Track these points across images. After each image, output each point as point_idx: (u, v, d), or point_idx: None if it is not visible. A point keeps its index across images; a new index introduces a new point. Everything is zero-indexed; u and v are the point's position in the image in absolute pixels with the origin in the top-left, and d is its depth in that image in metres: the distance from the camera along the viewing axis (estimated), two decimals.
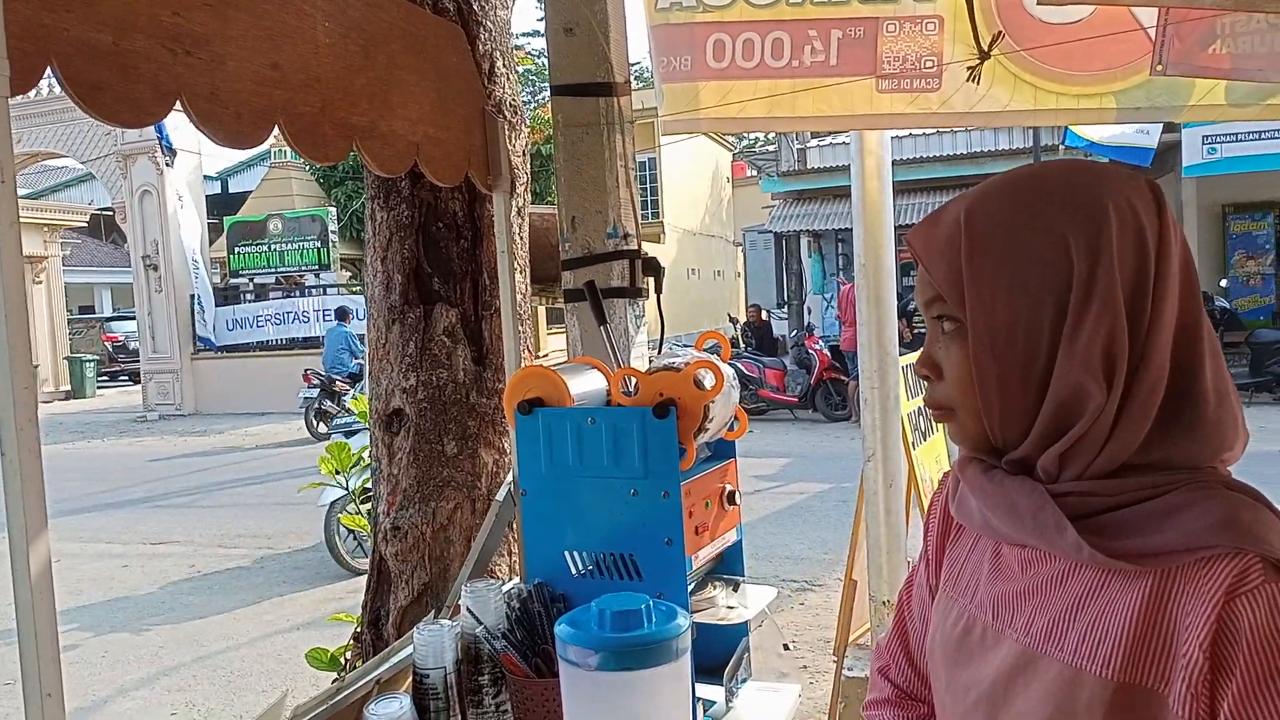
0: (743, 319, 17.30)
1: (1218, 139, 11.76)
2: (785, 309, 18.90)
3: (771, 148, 20.37)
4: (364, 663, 1.89)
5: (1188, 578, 0.73)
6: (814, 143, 17.31)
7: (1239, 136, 11.55)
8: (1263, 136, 11.31)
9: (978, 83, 1.88)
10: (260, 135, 1.39)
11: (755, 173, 23.98)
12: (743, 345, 15.49)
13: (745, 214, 28.64)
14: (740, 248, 29.43)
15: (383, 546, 2.62)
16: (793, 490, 8.28)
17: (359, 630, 2.73)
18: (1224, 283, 13.71)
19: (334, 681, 1.55)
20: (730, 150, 29.91)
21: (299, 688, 4.36)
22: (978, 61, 1.84)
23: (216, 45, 1.32)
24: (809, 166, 17.10)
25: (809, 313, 17.81)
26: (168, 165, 16.08)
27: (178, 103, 1.28)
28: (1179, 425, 0.78)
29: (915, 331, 12.18)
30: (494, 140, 1.95)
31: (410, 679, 1.52)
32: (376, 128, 1.61)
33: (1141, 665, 0.74)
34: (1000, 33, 1.93)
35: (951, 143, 15.99)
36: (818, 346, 12.58)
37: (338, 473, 3.22)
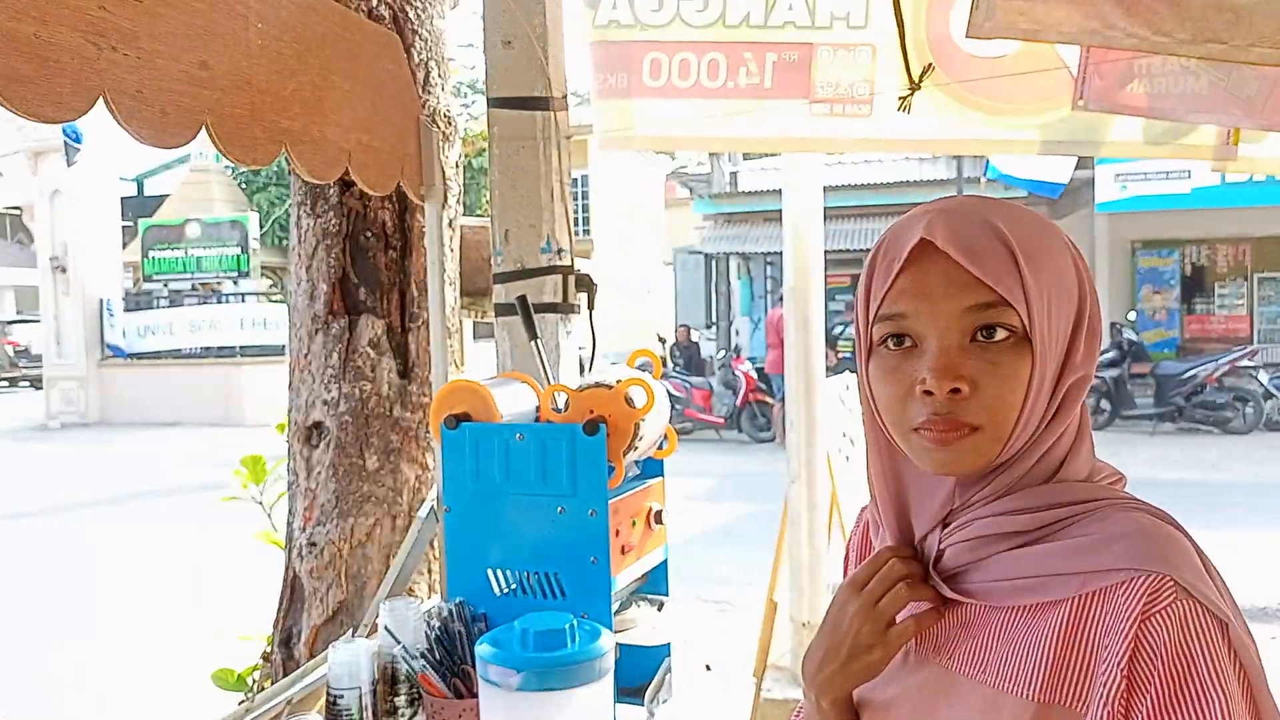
0: (671, 339, 17.41)
1: (1128, 177, 12.27)
2: (714, 330, 19.07)
3: (704, 169, 20.60)
4: (273, 683, 1.83)
5: (1106, 599, 0.75)
6: (745, 165, 17.55)
7: (1148, 175, 12.07)
8: (1169, 176, 11.84)
9: (909, 112, 1.92)
10: (186, 135, 1.35)
11: (688, 193, 24.18)
12: (670, 365, 15.58)
13: (677, 234, 28.81)
14: (671, 267, 29.61)
15: (297, 563, 2.55)
16: (717, 511, 8.31)
17: (269, 649, 2.65)
18: (1132, 315, 14.27)
19: (241, 702, 1.49)
20: (663, 171, 30.10)
21: (203, 709, 4.19)
22: (909, 92, 1.89)
23: (144, 42, 1.28)
24: (740, 189, 17.32)
25: (737, 334, 17.99)
26: (71, 162, 15.40)
27: (101, 100, 1.23)
28: (1084, 435, 0.86)
29: (840, 356, 12.39)
30: (427, 150, 1.92)
31: (323, 700, 1.47)
32: (308, 133, 1.57)
33: (1061, 687, 0.75)
34: (931, 64, 1.98)
35: (880, 171, 16.37)
36: (744, 368, 12.70)
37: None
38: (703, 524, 7.81)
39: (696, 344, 17.18)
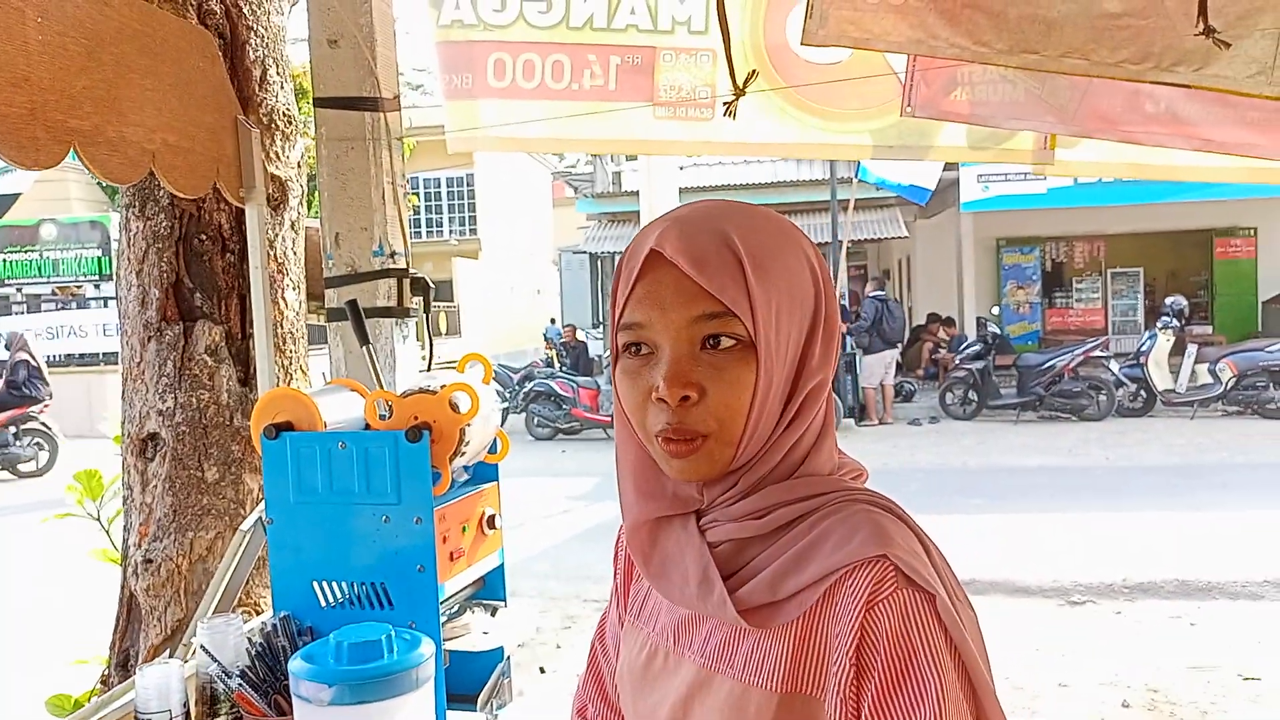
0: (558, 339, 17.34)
1: (990, 178, 12.84)
2: (600, 329, 19.11)
3: (589, 169, 20.61)
4: None
5: (838, 590, 0.78)
6: (628, 166, 17.64)
7: (1007, 176, 12.65)
8: (1027, 177, 12.43)
9: (734, 118, 1.97)
10: None
11: (573, 193, 24.16)
12: (558, 365, 15.53)
13: (563, 234, 28.76)
14: (557, 267, 29.54)
15: (133, 581, 2.43)
16: (600, 510, 8.33)
17: (106, 673, 2.52)
18: (996, 310, 14.93)
19: None
20: (550, 170, 30.00)
21: None
22: (733, 98, 1.93)
23: None
24: (623, 189, 17.39)
25: None
26: None
27: None
28: (826, 434, 0.88)
29: None
30: (246, 150, 1.86)
31: None
32: (102, 133, 1.49)
33: (801, 677, 0.79)
34: (754, 71, 2.03)
35: (757, 171, 16.68)
36: None
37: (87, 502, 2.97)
38: (585, 523, 7.81)
39: (584, 343, 17.19)
